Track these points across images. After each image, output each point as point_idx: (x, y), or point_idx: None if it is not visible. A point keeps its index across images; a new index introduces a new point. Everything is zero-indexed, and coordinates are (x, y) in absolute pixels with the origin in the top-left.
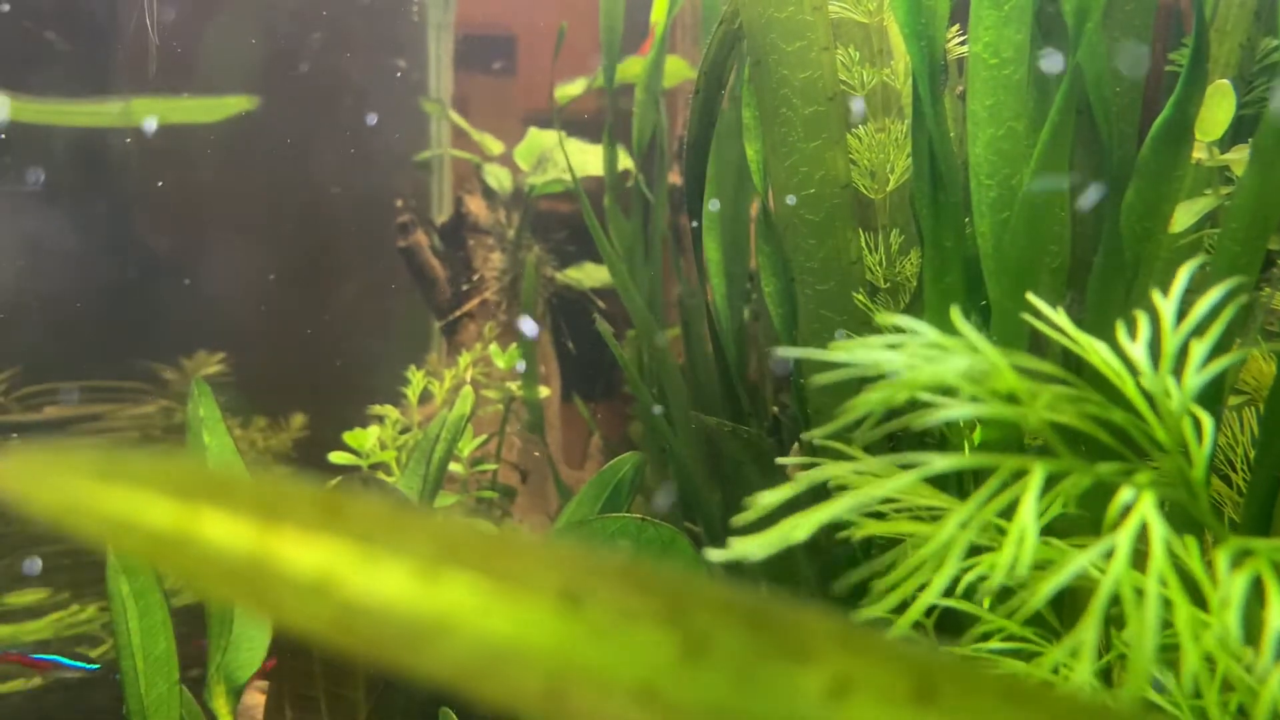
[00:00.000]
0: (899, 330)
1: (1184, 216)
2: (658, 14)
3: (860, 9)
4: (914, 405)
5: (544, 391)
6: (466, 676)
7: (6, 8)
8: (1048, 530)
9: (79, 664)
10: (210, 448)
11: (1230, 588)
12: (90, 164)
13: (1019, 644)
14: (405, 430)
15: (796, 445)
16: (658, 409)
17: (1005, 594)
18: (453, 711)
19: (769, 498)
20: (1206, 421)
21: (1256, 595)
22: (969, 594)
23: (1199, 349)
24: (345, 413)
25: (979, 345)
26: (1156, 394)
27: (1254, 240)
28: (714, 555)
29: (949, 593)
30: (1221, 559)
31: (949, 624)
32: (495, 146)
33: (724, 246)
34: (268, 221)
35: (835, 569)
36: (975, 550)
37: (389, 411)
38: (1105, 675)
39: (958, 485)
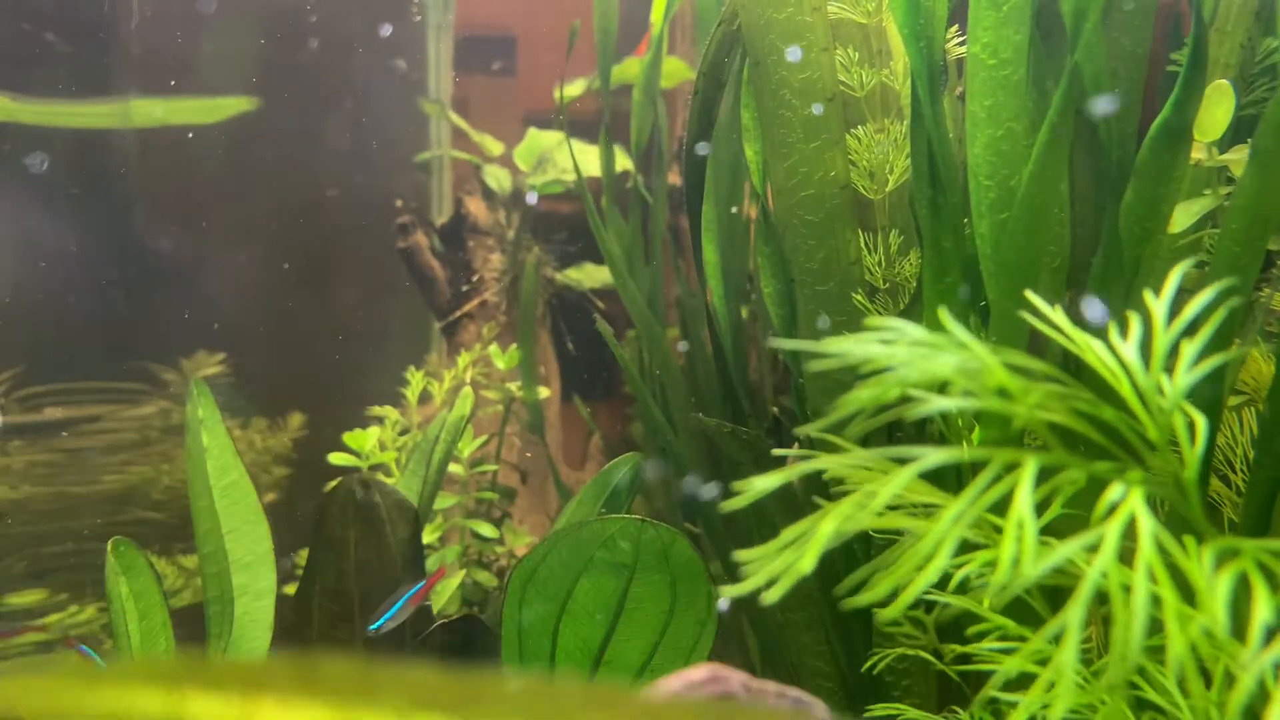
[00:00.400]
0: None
1: (1183, 217)
2: (656, 14)
3: (859, 10)
4: (908, 403)
5: (544, 392)
6: None
7: None
8: (1044, 530)
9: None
10: (209, 448)
11: (1216, 584)
12: (88, 165)
13: (1014, 643)
14: (405, 431)
15: (796, 446)
16: (657, 410)
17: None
18: None
19: (761, 483)
20: (1200, 421)
21: (1245, 592)
22: (964, 590)
23: (1190, 349)
24: (345, 413)
25: (968, 343)
26: (1148, 392)
27: (1253, 241)
28: (728, 592)
29: (946, 590)
30: (1206, 556)
31: (948, 625)
32: (495, 147)
33: (722, 247)
34: (267, 222)
35: (831, 563)
36: (973, 546)
37: (389, 412)
38: (1096, 674)
39: (956, 481)
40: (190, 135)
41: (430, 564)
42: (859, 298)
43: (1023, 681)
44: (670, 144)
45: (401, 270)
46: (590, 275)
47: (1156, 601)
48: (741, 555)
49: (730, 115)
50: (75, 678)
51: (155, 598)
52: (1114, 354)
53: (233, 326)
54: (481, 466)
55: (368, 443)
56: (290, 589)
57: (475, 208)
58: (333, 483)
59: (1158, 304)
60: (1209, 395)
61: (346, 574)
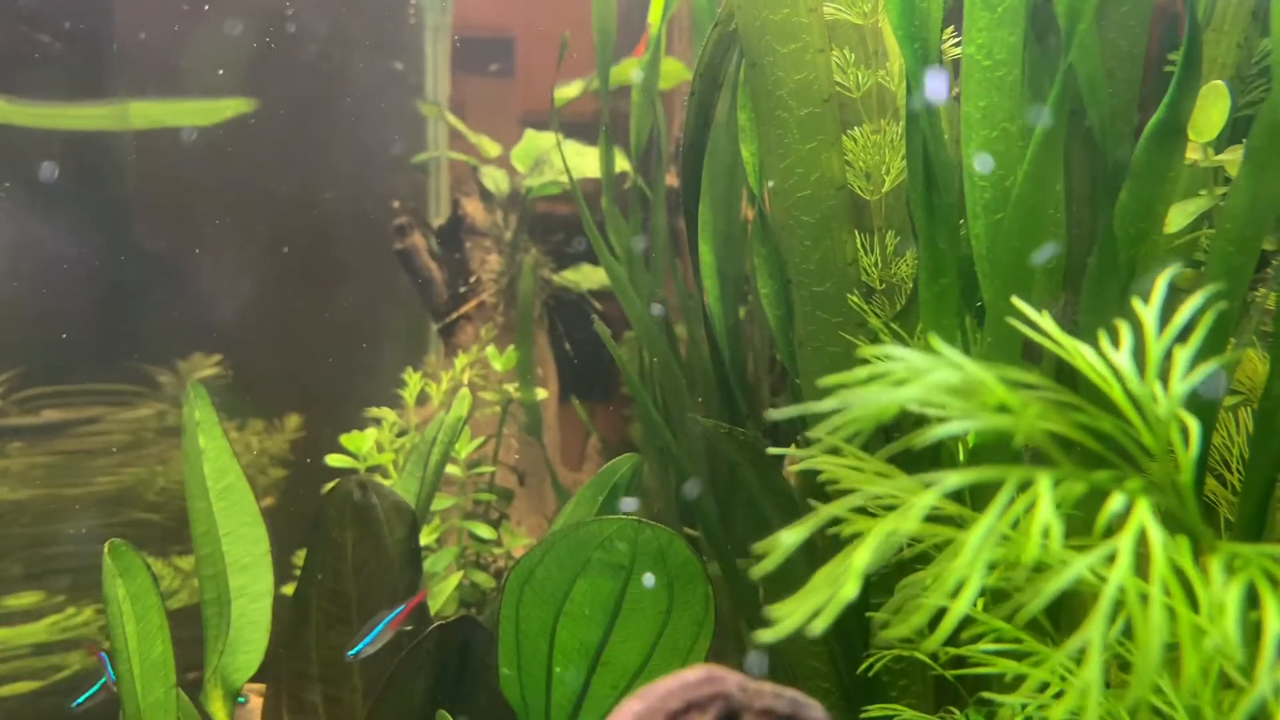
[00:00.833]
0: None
1: (1178, 217)
2: (654, 15)
3: (855, 11)
4: (907, 421)
5: (541, 393)
6: None
7: None
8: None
9: None
10: (206, 451)
11: (1227, 595)
12: (86, 166)
13: (1010, 644)
14: (403, 433)
15: (793, 447)
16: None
17: (998, 598)
18: (449, 714)
19: (789, 538)
20: (1194, 427)
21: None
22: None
23: (1183, 355)
24: (343, 415)
25: (964, 365)
26: (1143, 400)
27: (1248, 241)
28: (763, 637)
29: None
30: (1216, 566)
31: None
32: (492, 148)
33: (718, 248)
34: (264, 224)
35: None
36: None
37: (386, 414)
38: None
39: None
40: (193, 137)
41: (428, 565)
42: (855, 299)
43: (1019, 683)
44: (668, 145)
45: (399, 271)
46: (588, 276)
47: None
48: (774, 611)
49: (727, 116)
50: None
51: (152, 600)
52: (1106, 362)
53: (230, 328)
54: (479, 468)
55: (365, 444)
56: (288, 589)
57: (473, 209)
58: (330, 484)
59: (1148, 311)
60: (1204, 397)
61: (344, 575)
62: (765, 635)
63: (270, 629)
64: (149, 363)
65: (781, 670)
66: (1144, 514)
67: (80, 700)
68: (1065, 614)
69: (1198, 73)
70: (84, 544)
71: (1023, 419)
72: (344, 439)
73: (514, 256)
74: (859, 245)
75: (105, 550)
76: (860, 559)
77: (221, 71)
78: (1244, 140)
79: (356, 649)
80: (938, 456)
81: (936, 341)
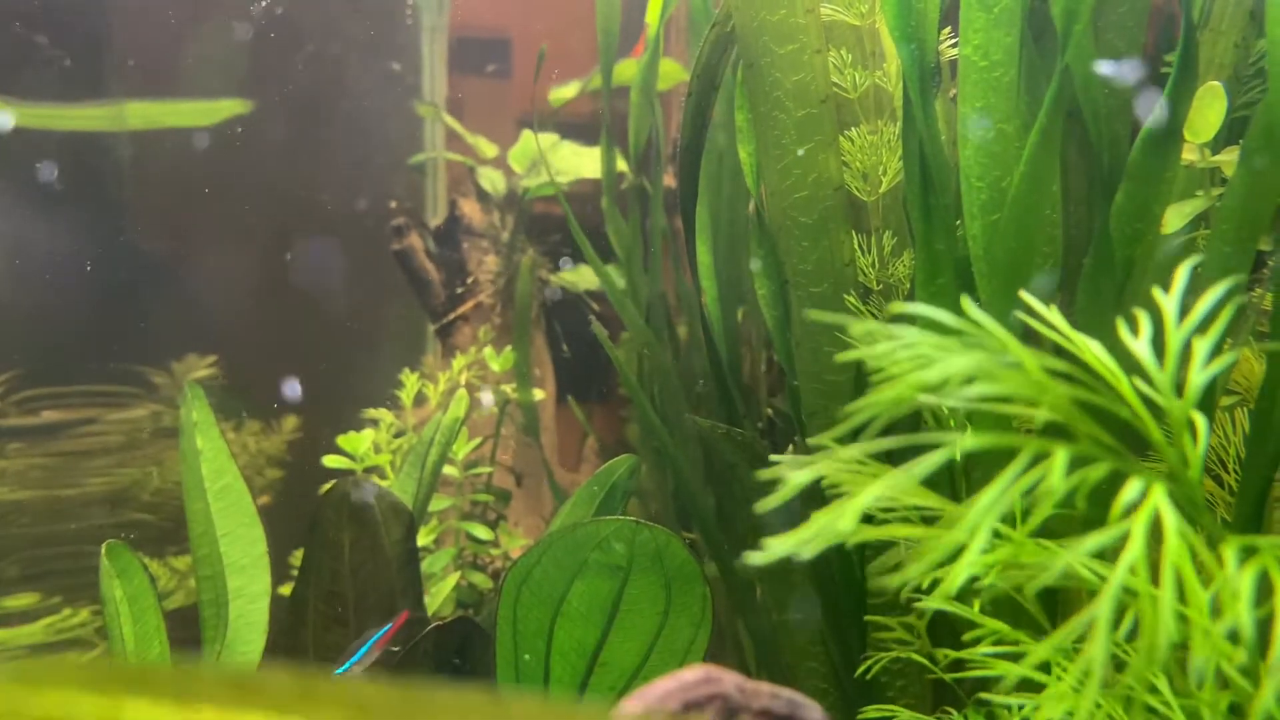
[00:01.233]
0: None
1: (1175, 218)
2: (652, 16)
3: (852, 12)
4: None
5: (539, 394)
6: None
7: None
8: (1040, 532)
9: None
10: (203, 451)
11: (1240, 581)
12: (83, 167)
13: (1009, 646)
14: (400, 434)
15: (791, 447)
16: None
17: (997, 604)
18: None
19: (800, 476)
20: (1200, 421)
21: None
22: (962, 597)
23: (1202, 346)
24: (340, 416)
25: (1002, 337)
26: (1164, 390)
27: (1244, 242)
28: (754, 559)
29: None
30: (1229, 553)
31: (943, 629)
32: (489, 149)
33: (716, 249)
34: (262, 224)
35: (827, 566)
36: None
37: (383, 415)
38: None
39: (949, 487)
40: (192, 138)
41: (425, 566)
42: (852, 299)
43: (1020, 685)
44: (666, 146)
45: (396, 272)
46: (585, 277)
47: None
48: (770, 543)
49: (725, 117)
50: (13, 680)
51: (149, 601)
52: (1115, 355)
53: (227, 329)
54: (476, 469)
55: (362, 445)
56: (285, 589)
57: (470, 209)
58: (327, 485)
59: (1169, 302)
60: (1205, 396)
61: (341, 576)
62: (755, 558)
63: (267, 630)
64: (145, 363)
65: (779, 671)
66: (1159, 497)
67: None
68: (1064, 616)
69: (1194, 74)
70: (81, 544)
71: (1051, 392)
72: (341, 440)
73: (511, 257)
74: (856, 246)
75: (103, 551)
76: (861, 501)
77: (218, 72)
78: (1240, 141)
79: (343, 669)
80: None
81: (969, 304)
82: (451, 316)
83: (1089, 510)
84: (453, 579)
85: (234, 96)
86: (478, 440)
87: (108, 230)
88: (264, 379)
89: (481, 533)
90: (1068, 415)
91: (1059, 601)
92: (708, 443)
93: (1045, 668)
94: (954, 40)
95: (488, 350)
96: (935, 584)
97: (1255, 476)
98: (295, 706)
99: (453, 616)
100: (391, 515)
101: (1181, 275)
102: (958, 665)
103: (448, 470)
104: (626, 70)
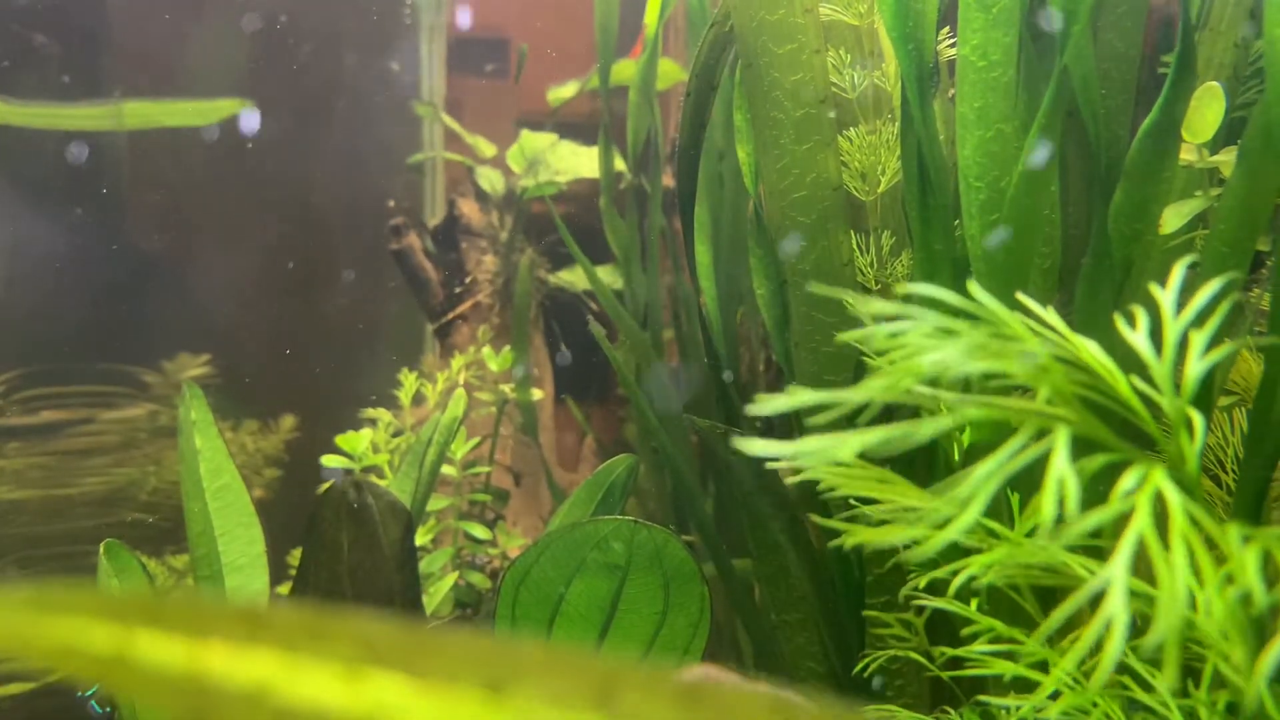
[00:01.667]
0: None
1: (1173, 218)
2: (651, 15)
3: (851, 11)
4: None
5: (537, 394)
6: None
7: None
8: (1038, 531)
9: None
10: (202, 451)
11: (1246, 556)
12: (80, 166)
13: (1006, 644)
14: (398, 433)
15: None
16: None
17: (994, 602)
18: None
19: (780, 402)
20: (1197, 418)
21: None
22: (956, 593)
23: (1199, 339)
24: (339, 416)
25: (1004, 318)
26: (1163, 385)
27: (1242, 242)
28: (756, 448)
29: (941, 594)
30: (1233, 534)
31: (942, 628)
32: (488, 149)
33: (714, 249)
34: (260, 224)
35: (825, 567)
36: (966, 551)
37: (382, 414)
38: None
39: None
40: (190, 138)
41: (423, 565)
42: (850, 300)
43: (1018, 684)
44: (664, 145)
45: (394, 272)
46: (583, 277)
47: (1149, 598)
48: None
49: (724, 117)
50: (26, 607)
51: None
52: (1108, 353)
53: (225, 328)
54: (474, 469)
55: (361, 445)
56: (284, 589)
57: (468, 209)
58: (325, 485)
59: (1166, 297)
60: (1202, 394)
61: (339, 576)
62: (752, 447)
63: None
64: (144, 363)
65: (777, 671)
66: (1161, 479)
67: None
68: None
69: (1192, 74)
70: (79, 544)
71: (1052, 373)
72: (340, 439)
73: (509, 257)
74: (855, 246)
75: (101, 550)
76: (857, 441)
77: (214, 71)
78: (1239, 141)
79: None
80: (933, 461)
81: (975, 288)
82: (450, 316)
83: (1085, 505)
84: (451, 578)
85: (232, 96)
86: (476, 440)
87: (105, 229)
88: (261, 379)
89: (480, 532)
90: (1066, 403)
91: (1056, 601)
92: (706, 443)
93: (1043, 666)
94: (952, 40)
95: (486, 350)
96: (933, 584)
97: (1253, 476)
98: (304, 643)
99: (451, 616)
100: (390, 515)
101: (1177, 272)
102: (956, 664)
103: (446, 470)
104: (625, 70)
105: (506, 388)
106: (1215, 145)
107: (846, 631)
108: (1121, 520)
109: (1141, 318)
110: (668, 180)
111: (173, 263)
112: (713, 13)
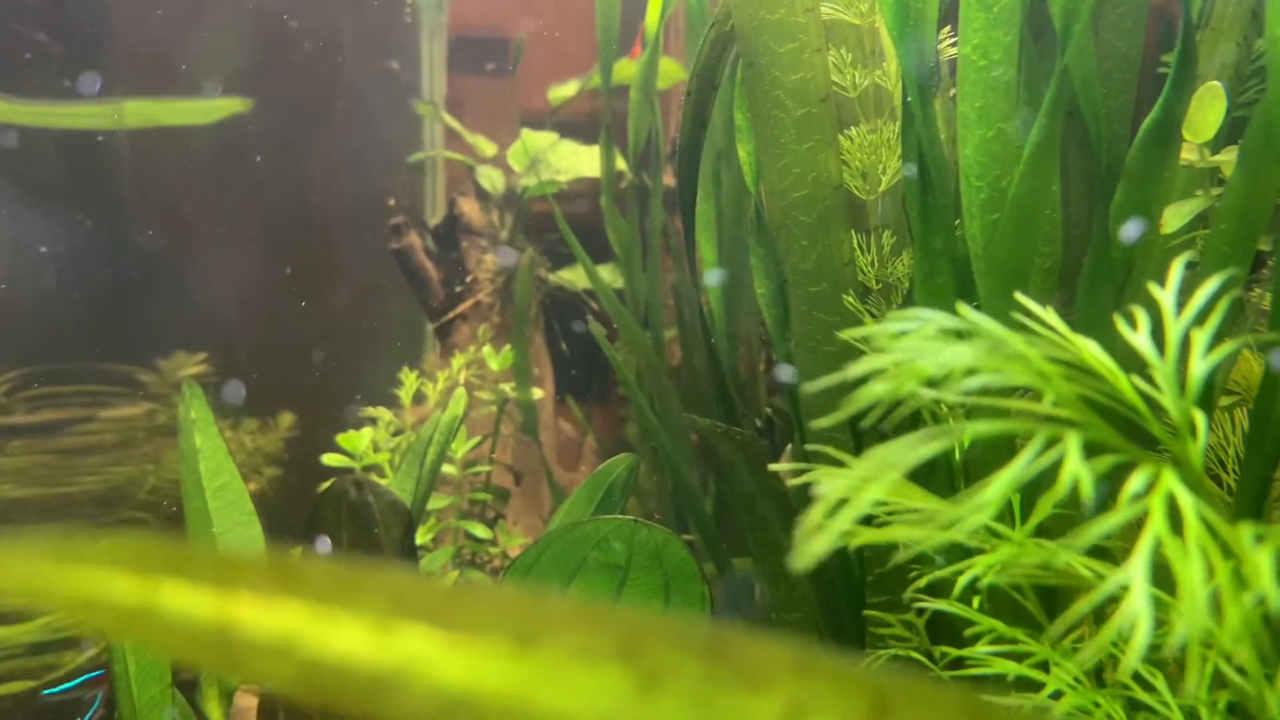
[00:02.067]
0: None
1: (1173, 218)
2: (651, 15)
3: (852, 11)
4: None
5: (538, 393)
6: None
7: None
8: (1036, 531)
9: None
10: (202, 450)
11: (1260, 556)
12: (79, 166)
13: (1007, 645)
14: (399, 432)
15: (789, 448)
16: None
17: (995, 602)
18: None
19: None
20: (1199, 417)
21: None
22: (961, 596)
23: (1201, 337)
24: (339, 415)
25: (1003, 336)
26: (1167, 385)
27: (1242, 242)
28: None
29: (944, 595)
30: (1245, 534)
31: (942, 627)
32: (488, 148)
33: (720, 248)
34: (261, 223)
35: (825, 567)
36: (968, 552)
37: (382, 413)
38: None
39: (949, 488)
40: (189, 137)
41: (424, 564)
42: (851, 299)
43: (1020, 684)
44: (665, 145)
45: (395, 271)
46: (583, 276)
47: (1158, 602)
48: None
49: (724, 116)
50: (49, 557)
51: None
52: (1109, 353)
53: (226, 327)
54: (475, 468)
55: (361, 444)
56: None
57: (469, 208)
58: (326, 483)
59: (1166, 296)
60: (1203, 394)
61: None
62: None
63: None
64: (142, 363)
65: None
66: (1171, 480)
67: (54, 690)
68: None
69: (1193, 74)
70: None
71: (1054, 381)
72: (340, 438)
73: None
74: (855, 245)
75: None
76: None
77: (214, 71)
78: (1239, 141)
79: None
80: (933, 461)
81: (964, 309)
82: (450, 315)
83: (1094, 507)
84: (451, 577)
85: (232, 95)
86: (476, 439)
87: (103, 229)
88: (261, 377)
89: (480, 531)
90: (1071, 407)
91: (1058, 601)
92: (707, 442)
93: (1044, 666)
94: (953, 40)
95: (486, 349)
96: (934, 584)
97: (1254, 476)
98: (334, 596)
99: None
100: (390, 513)
101: (1176, 270)
102: (958, 664)
103: (446, 469)
104: (626, 69)
105: (507, 387)
106: (1216, 145)
107: (846, 631)
108: (1128, 520)
109: (1142, 318)
110: (668, 179)
111: (173, 261)
112: (713, 12)
